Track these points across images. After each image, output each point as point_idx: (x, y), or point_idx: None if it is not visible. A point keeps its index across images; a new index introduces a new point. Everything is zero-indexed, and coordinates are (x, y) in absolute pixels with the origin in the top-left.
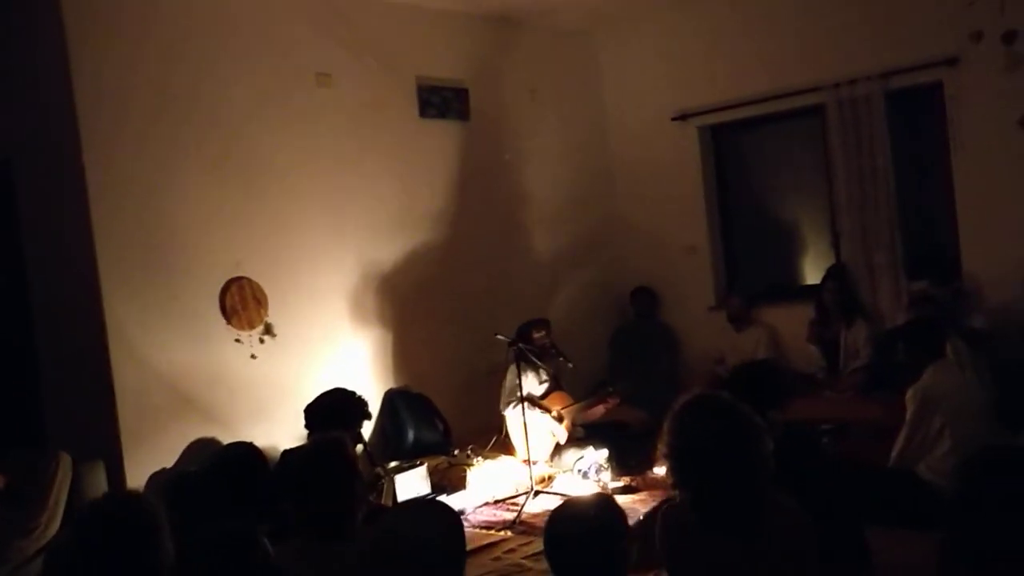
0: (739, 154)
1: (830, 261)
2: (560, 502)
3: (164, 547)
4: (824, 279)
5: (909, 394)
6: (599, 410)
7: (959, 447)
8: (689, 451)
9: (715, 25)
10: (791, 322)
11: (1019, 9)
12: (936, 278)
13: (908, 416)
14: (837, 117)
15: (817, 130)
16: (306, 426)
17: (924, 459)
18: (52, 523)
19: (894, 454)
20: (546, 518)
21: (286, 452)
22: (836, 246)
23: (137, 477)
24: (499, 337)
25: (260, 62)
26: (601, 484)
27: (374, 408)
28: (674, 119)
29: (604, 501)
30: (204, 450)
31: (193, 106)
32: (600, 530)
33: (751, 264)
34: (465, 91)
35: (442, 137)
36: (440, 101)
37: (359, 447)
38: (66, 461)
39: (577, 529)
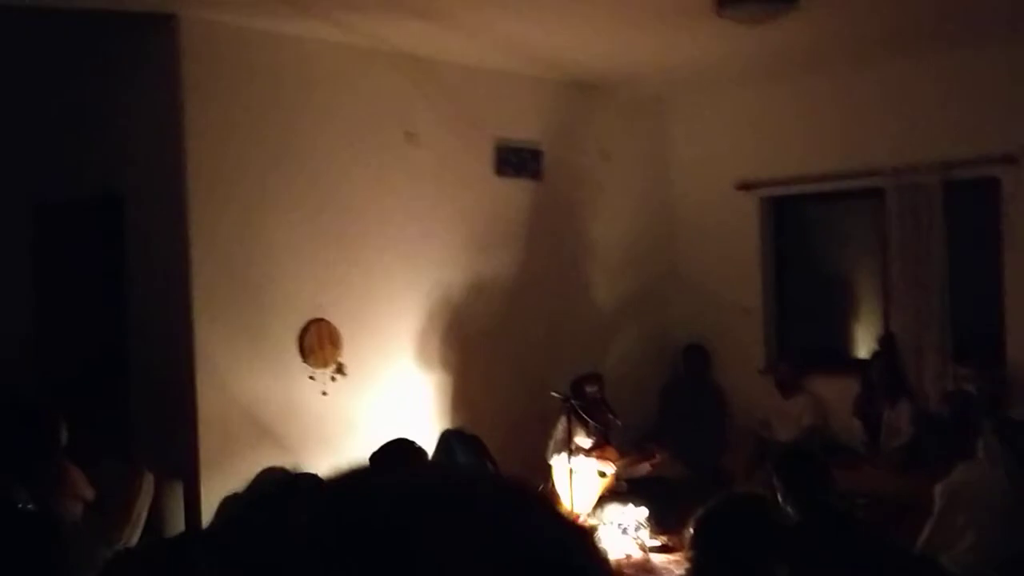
0: (799, 226)
1: (880, 336)
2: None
3: None
4: (873, 356)
5: (938, 489)
6: (644, 467)
7: (980, 544)
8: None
9: (784, 102)
10: (838, 393)
11: None
12: (980, 365)
13: (935, 510)
14: (896, 202)
15: (876, 212)
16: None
17: (947, 552)
18: (132, 536)
19: (919, 543)
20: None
21: None
22: (887, 325)
23: (211, 499)
24: (554, 395)
25: (355, 119)
26: (639, 542)
27: (430, 445)
28: (738, 188)
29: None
30: (272, 477)
31: (292, 159)
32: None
33: (803, 333)
34: (540, 152)
35: (515, 194)
36: (516, 161)
37: None
38: (149, 479)
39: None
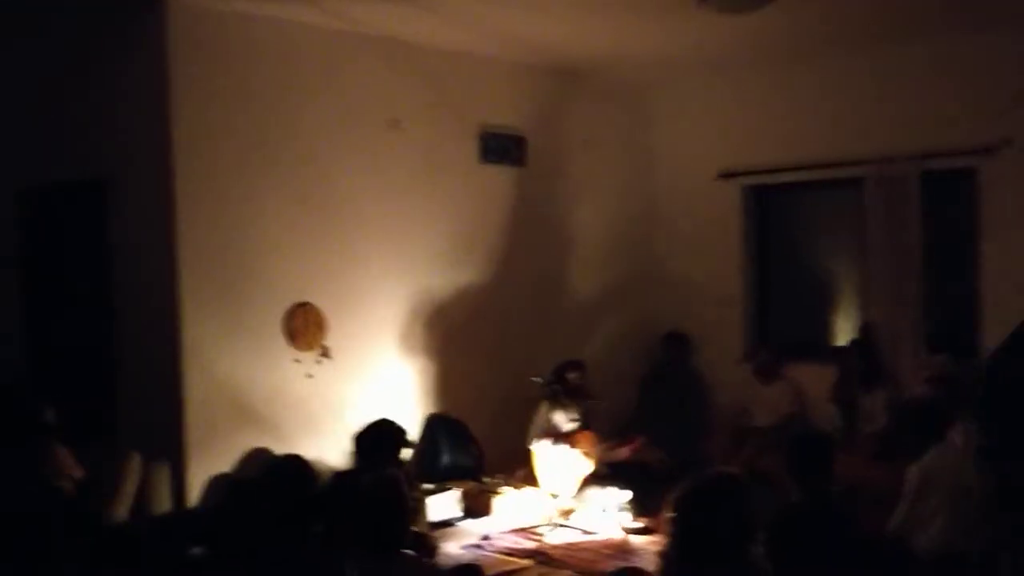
0: (780, 215)
1: (859, 326)
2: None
3: None
4: (850, 343)
5: (911, 471)
6: (624, 451)
7: (951, 526)
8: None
9: (766, 92)
10: (816, 380)
11: None
12: (956, 354)
13: (906, 492)
14: (874, 191)
15: (855, 201)
16: (355, 452)
17: (919, 533)
18: (119, 515)
19: (891, 524)
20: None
21: (340, 475)
22: (865, 313)
23: (198, 479)
24: (534, 380)
25: (340, 105)
26: (620, 524)
27: (415, 429)
28: (719, 176)
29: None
30: (258, 459)
31: (278, 143)
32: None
33: (783, 320)
34: (523, 139)
35: (499, 181)
36: (499, 147)
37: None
38: (136, 460)
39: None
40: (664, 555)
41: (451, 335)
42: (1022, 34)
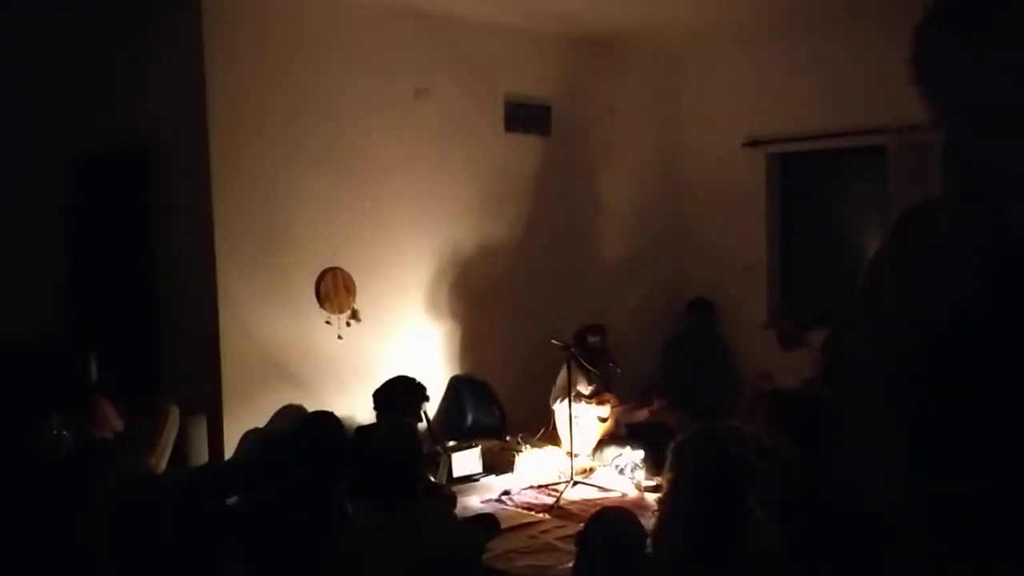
0: (805, 183)
1: None
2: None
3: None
4: None
5: None
6: (643, 413)
7: None
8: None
9: (793, 60)
10: None
11: None
12: None
13: None
14: (898, 159)
15: (880, 169)
16: (374, 407)
17: None
18: (158, 466)
19: None
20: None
21: (360, 429)
22: None
23: (233, 433)
24: (554, 342)
25: (369, 75)
26: (635, 482)
27: (441, 390)
28: (745, 144)
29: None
30: (291, 414)
31: (308, 113)
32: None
33: (807, 287)
34: (548, 108)
35: (523, 150)
36: (524, 116)
37: (422, 425)
38: (175, 413)
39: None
40: (663, 501)
41: (476, 300)
42: None
